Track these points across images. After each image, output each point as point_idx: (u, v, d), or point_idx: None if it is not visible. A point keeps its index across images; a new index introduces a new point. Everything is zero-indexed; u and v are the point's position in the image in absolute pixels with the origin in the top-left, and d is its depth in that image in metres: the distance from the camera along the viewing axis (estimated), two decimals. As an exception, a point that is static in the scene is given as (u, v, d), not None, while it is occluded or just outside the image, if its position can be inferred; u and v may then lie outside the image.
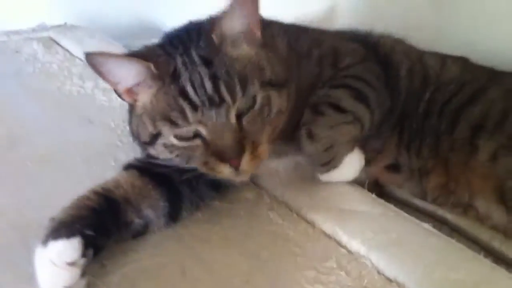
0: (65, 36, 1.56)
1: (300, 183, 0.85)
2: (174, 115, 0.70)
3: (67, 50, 1.48)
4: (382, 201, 0.86)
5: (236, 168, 0.71)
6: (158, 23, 1.91)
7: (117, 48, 1.49)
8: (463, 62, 0.98)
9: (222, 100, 0.70)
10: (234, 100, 0.70)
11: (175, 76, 0.71)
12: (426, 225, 0.80)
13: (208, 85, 0.70)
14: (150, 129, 0.74)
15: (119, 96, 0.77)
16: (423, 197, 0.90)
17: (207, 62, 0.71)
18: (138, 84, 0.74)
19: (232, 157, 0.70)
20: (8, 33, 1.58)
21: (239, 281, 0.69)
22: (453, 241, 0.77)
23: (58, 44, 1.52)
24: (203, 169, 0.75)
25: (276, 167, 0.81)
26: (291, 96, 0.79)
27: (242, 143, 0.71)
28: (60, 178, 0.89)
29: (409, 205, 0.91)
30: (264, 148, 0.74)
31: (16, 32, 1.59)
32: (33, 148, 0.97)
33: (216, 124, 0.71)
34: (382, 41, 0.99)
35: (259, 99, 0.73)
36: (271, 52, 0.78)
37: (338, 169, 0.84)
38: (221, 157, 0.71)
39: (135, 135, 0.80)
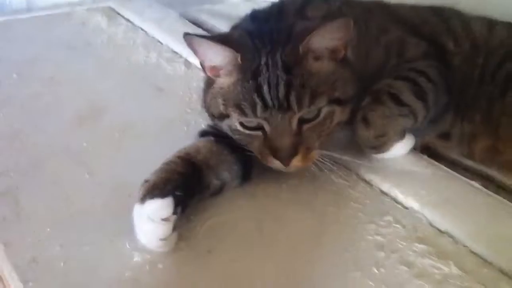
0: (124, 6, 1.65)
1: (358, 148, 0.92)
2: (246, 106, 0.79)
3: (129, 21, 1.56)
4: (433, 161, 0.94)
5: (286, 166, 0.80)
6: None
7: (175, 17, 1.58)
8: (509, 26, 1.03)
9: (289, 107, 0.78)
10: (300, 109, 0.78)
11: (256, 73, 0.79)
12: (475, 184, 0.88)
13: (282, 90, 0.77)
14: (222, 108, 0.82)
15: (203, 69, 0.85)
16: (471, 157, 0.97)
17: (287, 69, 0.78)
18: (222, 67, 0.81)
19: (284, 157, 0.79)
20: (71, 4, 1.66)
21: (310, 235, 0.78)
22: (501, 198, 0.85)
23: (119, 14, 1.61)
24: (257, 155, 0.84)
25: (336, 134, 0.88)
26: (356, 81, 0.85)
27: (297, 147, 0.79)
28: (143, 144, 0.98)
29: (458, 164, 0.97)
30: (316, 153, 0.82)
31: (79, 3, 1.67)
32: (115, 118, 1.07)
33: (279, 124, 0.79)
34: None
35: (323, 113, 0.80)
36: (348, 68, 0.84)
37: (386, 153, 0.91)
38: (275, 153, 0.80)
39: (207, 107, 0.88)
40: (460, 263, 0.73)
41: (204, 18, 1.64)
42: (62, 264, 0.71)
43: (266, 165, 0.83)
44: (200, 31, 1.47)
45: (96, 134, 1.02)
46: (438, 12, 1.06)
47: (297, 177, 0.88)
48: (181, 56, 1.35)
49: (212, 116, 0.88)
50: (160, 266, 0.72)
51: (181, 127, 1.05)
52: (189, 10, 1.70)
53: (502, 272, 0.73)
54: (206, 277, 0.71)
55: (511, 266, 0.73)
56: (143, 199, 0.74)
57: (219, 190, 0.85)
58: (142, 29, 1.50)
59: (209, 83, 0.87)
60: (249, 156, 0.86)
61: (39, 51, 1.37)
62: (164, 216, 0.73)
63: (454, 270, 0.72)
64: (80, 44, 1.42)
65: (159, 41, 1.44)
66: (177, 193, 0.75)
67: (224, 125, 0.85)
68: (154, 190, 0.75)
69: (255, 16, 0.96)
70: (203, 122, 1.00)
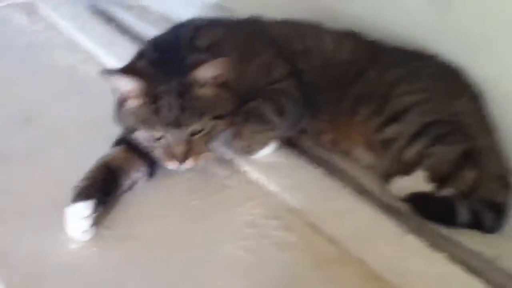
0: (44, 2, 1.83)
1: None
2: (150, 123, 1.07)
3: (47, 19, 1.76)
4: (291, 153, 1.27)
5: (180, 166, 1.10)
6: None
7: (88, 14, 1.78)
8: (355, 40, 1.36)
9: (183, 124, 1.07)
10: (190, 125, 1.07)
11: (157, 97, 1.06)
12: (319, 170, 1.22)
13: (177, 112, 1.05)
14: (132, 123, 1.10)
15: (116, 92, 1.12)
16: (321, 146, 1.31)
17: (181, 95, 1.06)
18: (131, 92, 1.08)
19: (179, 159, 1.09)
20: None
21: (198, 215, 1.10)
22: (335, 180, 1.20)
23: (38, 11, 1.80)
24: (159, 159, 1.12)
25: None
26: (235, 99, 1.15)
27: (189, 152, 1.08)
28: (71, 144, 1.25)
29: (308, 151, 1.31)
30: (204, 155, 1.12)
31: (-1, 0, 1.84)
32: (44, 120, 1.31)
33: (175, 137, 1.08)
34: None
35: (208, 127, 1.10)
36: (227, 90, 1.13)
37: (254, 156, 1.22)
38: (172, 157, 1.09)
39: (119, 120, 1.14)
40: (301, 233, 1.07)
41: (113, 10, 1.87)
42: (15, 252, 0.99)
43: (167, 166, 1.13)
44: (109, 27, 1.71)
45: (28, 137, 1.27)
46: (298, 30, 1.36)
47: (190, 172, 1.18)
48: (93, 57, 1.58)
49: (124, 127, 1.15)
50: (93, 250, 1.02)
51: (102, 127, 1.27)
52: (98, 2, 1.91)
53: (328, 237, 1.06)
54: (128, 257, 1.01)
55: (336, 234, 1.06)
56: (72, 201, 1.03)
57: (131, 187, 1.15)
58: (60, 28, 1.71)
59: (120, 102, 1.14)
60: (153, 159, 1.15)
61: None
62: (84, 215, 1.02)
63: (296, 238, 1.06)
64: (3, 44, 1.61)
65: (74, 41, 1.65)
66: (99, 195, 1.05)
67: (134, 137, 1.13)
68: (80, 194, 1.04)
69: (157, 45, 1.22)
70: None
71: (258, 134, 1.19)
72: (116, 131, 1.19)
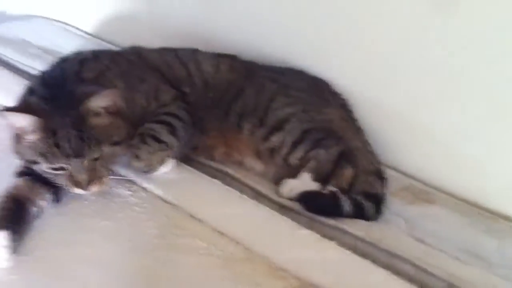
0: None
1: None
2: (50, 156, 1.10)
3: None
4: (187, 167, 1.37)
5: (85, 191, 1.16)
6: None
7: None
8: (231, 61, 1.51)
9: (82, 153, 1.12)
10: (90, 154, 1.13)
11: (54, 132, 1.10)
12: (215, 180, 1.34)
13: (75, 143, 1.11)
14: (31, 156, 1.13)
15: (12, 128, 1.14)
16: (213, 160, 1.43)
17: (76, 126, 1.11)
18: (28, 128, 1.11)
19: (83, 186, 1.15)
20: None
21: (108, 236, 1.16)
22: (231, 188, 1.32)
23: None
24: (64, 186, 1.17)
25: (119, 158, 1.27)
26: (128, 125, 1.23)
27: (92, 178, 1.14)
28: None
29: (204, 165, 1.42)
30: (106, 178, 1.18)
31: None
32: None
33: (77, 165, 1.13)
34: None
35: (106, 152, 1.16)
36: (120, 118, 1.20)
37: (154, 173, 1.31)
38: (77, 185, 1.15)
39: (18, 154, 1.17)
40: (206, 238, 1.18)
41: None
42: None
43: (72, 192, 1.18)
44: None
45: None
46: (179, 57, 1.48)
47: (95, 195, 1.24)
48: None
49: (24, 160, 1.19)
50: (13, 277, 1.04)
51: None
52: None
53: (231, 239, 1.18)
54: (46, 280, 1.05)
55: (238, 235, 1.18)
56: None
57: (40, 214, 1.19)
58: None
59: (18, 136, 1.16)
60: (57, 187, 1.20)
61: None
62: (4, 244, 1.05)
63: (202, 243, 1.16)
64: None
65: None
66: (12, 225, 1.08)
67: (35, 168, 1.17)
68: None
69: (44, 80, 1.27)
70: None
71: (154, 154, 1.28)
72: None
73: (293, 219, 1.24)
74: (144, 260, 1.12)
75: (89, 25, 1.96)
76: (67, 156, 1.12)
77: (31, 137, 1.13)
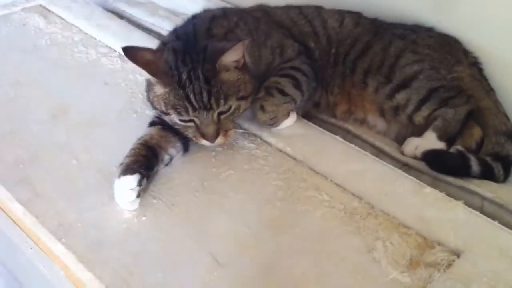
0: (53, 4, 1.92)
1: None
2: (180, 109, 1.15)
3: (62, 18, 1.85)
4: (311, 124, 1.38)
5: (212, 143, 1.20)
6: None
7: (100, 11, 1.89)
8: (357, 18, 1.48)
9: (211, 107, 1.15)
10: (218, 108, 1.16)
11: (181, 85, 1.15)
12: (337, 137, 1.34)
13: (205, 96, 1.13)
14: (162, 107, 1.19)
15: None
16: (335, 117, 1.44)
17: (207, 80, 1.14)
18: (156, 80, 1.18)
19: (210, 138, 1.19)
20: (6, 6, 1.91)
21: (233, 185, 1.21)
22: (353, 145, 1.32)
23: (52, 12, 1.89)
24: (192, 138, 1.22)
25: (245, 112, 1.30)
26: (254, 80, 1.25)
27: (218, 131, 1.17)
28: (105, 132, 1.35)
29: (326, 122, 1.43)
30: (232, 132, 1.22)
31: (13, 4, 1.92)
32: (78, 113, 1.41)
33: (205, 119, 1.16)
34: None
35: (233, 107, 1.18)
36: (247, 73, 1.22)
37: (278, 127, 1.33)
38: (204, 136, 1.19)
39: (151, 102, 1.24)
40: (329, 192, 1.19)
41: (121, 7, 1.97)
42: (79, 225, 1.10)
43: (199, 143, 1.24)
44: (123, 22, 1.82)
45: (69, 128, 1.36)
46: (304, 13, 1.48)
47: (221, 146, 1.28)
48: (115, 51, 1.68)
49: (156, 110, 1.25)
50: (143, 218, 1.12)
51: (130, 115, 1.42)
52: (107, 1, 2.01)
53: (353, 195, 1.18)
54: (174, 222, 1.12)
55: (360, 191, 1.18)
56: (119, 176, 1.13)
57: (169, 162, 1.25)
58: (75, 26, 1.80)
59: (150, 84, 1.23)
60: (186, 136, 1.26)
61: (-4, 55, 1.65)
62: (131, 187, 1.12)
63: (325, 197, 1.18)
64: (28, 46, 1.70)
65: (93, 37, 1.75)
66: (142, 170, 1.14)
67: (166, 119, 1.23)
68: (126, 170, 1.14)
69: (178, 34, 1.32)
70: (147, 108, 1.37)
71: (279, 107, 1.30)
72: (144, 120, 1.32)
73: (416, 177, 1.22)
74: (269, 209, 1.15)
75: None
76: (197, 109, 1.16)
77: (161, 89, 1.18)
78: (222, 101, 1.16)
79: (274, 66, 1.35)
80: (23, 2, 1.94)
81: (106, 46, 1.71)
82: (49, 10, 1.90)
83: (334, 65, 1.41)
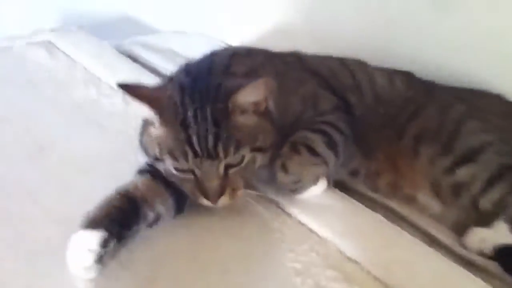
0: (63, 40, 1.72)
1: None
2: (178, 154, 0.90)
3: (68, 56, 1.64)
4: (344, 195, 1.08)
5: (214, 204, 0.93)
6: (146, 21, 2.10)
7: (112, 52, 1.68)
8: (407, 78, 1.22)
9: (217, 155, 0.89)
10: (226, 157, 0.90)
11: (184, 125, 0.90)
12: (378, 215, 1.03)
13: (210, 141, 0.89)
14: (157, 153, 0.93)
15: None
16: (376, 191, 1.12)
17: (216, 123, 0.89)
18: (153, 120, 0.93)
19: (213, 197, 0.92)
20: (10, 38, 1.72)
21: (238, 262, 0.90)
22: (398, 228, 1.01)
23: (58, 48, 1.68)
24: (189, 194, 0.95)
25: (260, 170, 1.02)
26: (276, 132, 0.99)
27: (224, 188, 0.92)
28: (88, 179, 1.08)
29: (364, 196, 1.12)
30: (240, 192, 0.95)
31: (18, 37, 1.73)
32: (61, 154, 1.16)
33: (208, 170, 0.91)
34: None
35: (246, 159, 0.93)
36: (268, 120, 0.97)
37: (302, 195, 1.04)
38: (205, 194, 0.92)
39: (144, 147, 0.98)
40: (364, 286, 0.87)
41: (138, 51, 1.76)
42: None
43: (197, 202, 0.95)
44: (135, 65, 1.61)
45: (45, 170, 1.11)
46: (345, 65, 1.22)
47: (227, 209, 0.99)
48: (118, 92, 1.43)
49: (148, 155, 0.98)
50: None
51: (122, 162, 1.13)
52: (123, 43, 1.81)
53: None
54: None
55: (404, 284, 0.87)
56: (79, 229, 0.84)
57: (155, 222, 0.96)
58: (81, 64, 1.58)
59: (146, 125, 0.98)
60: (182, 191, 0.97)
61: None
62: (90, 247, 0.83)
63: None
64: (22, 81, 1.48)
65: (98, 77, 1.52)
66: (111, 227, 0.86)
67: (160, 167, 0.96)
68: (90, 222, 0.85)
69: (189, 70, 1.07)
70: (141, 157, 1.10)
71: (307, 168, 1.01)
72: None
73: (485, 280, 0.90)
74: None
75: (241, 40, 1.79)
76: (198, 156, 0.90)
77: (159, 131, 0.94)
78: (232, 149, 0.91)
79: (304, 118, 1.08)
80: (29, 36, 1.75)
81: (110, 87, 1.47)
82: (55, 46, 1.69)
83: (380, 127, 1.13)
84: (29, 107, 1.36)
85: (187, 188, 0.95)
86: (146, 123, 0.98)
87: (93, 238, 0.83)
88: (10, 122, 1.29)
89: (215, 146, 0.89)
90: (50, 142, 1.20)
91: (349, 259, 0.93)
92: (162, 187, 0.97)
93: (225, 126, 0.90)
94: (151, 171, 1.00)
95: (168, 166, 0.93)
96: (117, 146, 1.21)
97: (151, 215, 0.95)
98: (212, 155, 0.90)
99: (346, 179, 1.14)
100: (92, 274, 0.83)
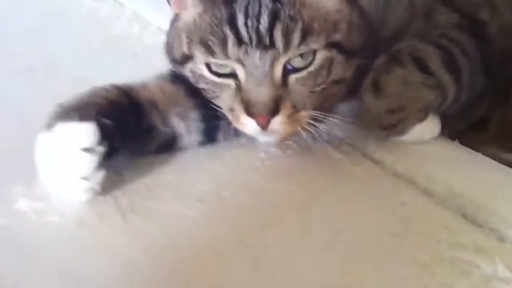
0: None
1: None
2: (214, 41, 0.61)
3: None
4: (465, 148, 0.72)
5: (263, 127, 0.60)
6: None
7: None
8: None
9: (273, 43, 0.60)
10: (287, 49, 0.60)
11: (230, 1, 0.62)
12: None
13: (264, 21, 0.60)
14: (184, 48, 0.65)
15: (169, 2, 0.68)
16: (507, 150, 0.75)
17: None
18: None
19: (261, 114, 0.60)
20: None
21: (294, 208, 0.59)
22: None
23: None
24: (227, 113, 0.64)
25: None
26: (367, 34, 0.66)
27: (279, 102, 0.61)
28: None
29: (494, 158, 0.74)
30: (305, 115, 0.63)
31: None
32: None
33: (258, 68, 0.60)
34: None
35: (318, 59, 0.62)
36: (358, 14, 0.66)
37: (404, 136, 0.69)
38: (249, 109, 0.60)
39: (168, 48, 0.70)
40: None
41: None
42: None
43: (239, 128, 0.64)
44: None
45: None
46: None
47: (281, 146, 0.67)
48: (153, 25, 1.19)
49: (174, 61, 0.69)
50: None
51: None
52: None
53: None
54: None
55: None
56: (50, 124, 0.55)
57: (170, 143, 0.67)
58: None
59: (174, 19, 0.70)
60: (215, 111, 0.66)
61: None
62: (85, 145, 0.54)
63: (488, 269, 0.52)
64: (63, 18, 1.28)
65: (136, 12, 1.29)
66: (103, 120, 0.57)
67: (187, 71, 0.66)
68: (69, 112, 0.57)
69: None
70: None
71: (411, 90, 0.65)
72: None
73: None
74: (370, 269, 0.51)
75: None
76: (242, 44, 0.60)
77: (192, 12, 0.65)
78: (296, 36, 0.60)
79: (412, 30, 0.74)
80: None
81: (147, 21, 1.22)
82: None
83: None
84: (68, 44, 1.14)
85: (225, 102, 0.64)
86: (175, 18, 0.70)
87: (88, 131, 0.55)
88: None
89: (271, 28, 0.59)
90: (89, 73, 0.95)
91: (478, 225, 0.57)
92: (183, 92, 0.68)
93: (288, 1, 0.60)
94: (172, 75, 0.70)
95: (199, 65, 0.64)
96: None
97: (162, 130, 0.65)
98: (266, 43, 0.59)
99: (467, 135, 0.76)
100: (93, 191, 0.57)
